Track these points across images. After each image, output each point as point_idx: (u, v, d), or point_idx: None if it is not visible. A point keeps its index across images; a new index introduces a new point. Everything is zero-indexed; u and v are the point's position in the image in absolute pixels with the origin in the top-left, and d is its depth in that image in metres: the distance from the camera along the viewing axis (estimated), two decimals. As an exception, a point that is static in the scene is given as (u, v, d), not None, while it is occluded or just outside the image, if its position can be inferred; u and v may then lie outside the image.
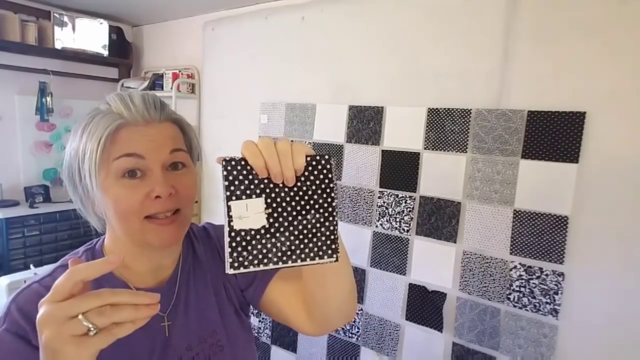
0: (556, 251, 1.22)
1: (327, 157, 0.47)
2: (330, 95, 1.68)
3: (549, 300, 1.23)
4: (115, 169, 0.55)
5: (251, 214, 0.45)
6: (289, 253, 0.46)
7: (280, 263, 0.46)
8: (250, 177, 0.45)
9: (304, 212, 0.46)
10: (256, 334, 1.99)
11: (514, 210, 1.28)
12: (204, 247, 0.73)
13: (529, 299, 1.27)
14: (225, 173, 0.44)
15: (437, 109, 1.42)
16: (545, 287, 1.24)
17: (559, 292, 1.22)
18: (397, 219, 1.52)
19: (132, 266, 0.63)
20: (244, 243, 0.45)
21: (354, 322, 1.66)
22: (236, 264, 0.44)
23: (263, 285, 0.71)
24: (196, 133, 0.71)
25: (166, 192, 0.56)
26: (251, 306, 0.75)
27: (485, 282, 1.35)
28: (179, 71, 2.20)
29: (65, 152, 0.61)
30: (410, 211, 1.50)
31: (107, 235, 0.65)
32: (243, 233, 0.45)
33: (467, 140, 1.36)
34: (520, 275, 1.28)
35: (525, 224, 1.27)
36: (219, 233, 0.76)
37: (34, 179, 2.28)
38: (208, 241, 0.74)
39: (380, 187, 1.56)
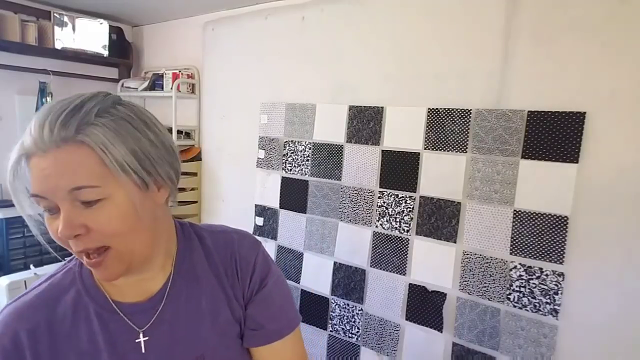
0: (556, 251, 1.22)
1: None
2: (330, 95, 1.68)
3: (549, 300, 1.23)
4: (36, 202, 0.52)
5: None
6: None
7: None
8: None
9: None
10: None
11: (514, 210, 1.28)
12: (216, 261, 0.68)
13: (529, 299, 1.27)
14: None
15: (437, 109, 1.42)
16: (545, 287, 1.24)
17: (559, 292, 1.22)
18: (397, 219, 1.52)
19: (108, 285, 0.61)
20: None
21: (354, 322, 1.66)
22: None
23: (264, 341, 0.68)
24: (148, 139, 0.55)
25: (69, 234, 0.50)
26: None
27: (485, 282, 1.35)
28: (179, 71, 2.20)
29: None
30: (410, 211, 1.50)
31: None
32: None
33: (467, 140, 1.36)
34: (520, 276, 1.28)
35: (525, 224, 1.27)
36: (245, 251, 0.69)
37: (34, 179, 2.28)
38: (225, 255, 0.68)
39: (380, 187, 1.56)
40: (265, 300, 0.68)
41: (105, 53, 2.35)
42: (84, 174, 0.50)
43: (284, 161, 1.84)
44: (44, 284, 0.62)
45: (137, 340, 0.60)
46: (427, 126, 1.44)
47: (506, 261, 1.31)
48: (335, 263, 1.70)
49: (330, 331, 1.73)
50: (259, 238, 1.93)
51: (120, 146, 0.51)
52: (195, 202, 2.23)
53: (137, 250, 0.56)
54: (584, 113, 1.16)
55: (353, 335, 1.66)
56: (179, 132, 2.20)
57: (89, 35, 2.27)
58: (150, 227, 0.58)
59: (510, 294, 1.30)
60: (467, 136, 1.36)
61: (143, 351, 0.60)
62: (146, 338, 0.60)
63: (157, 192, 0.58)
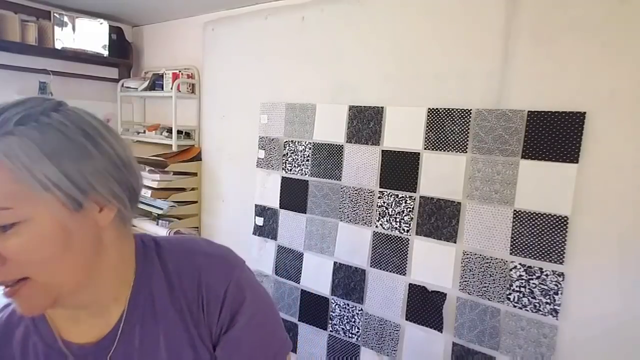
0: (556, 251, 1.22)
1: None
2: (330, 95, 1.68)
3: (549, 301, 1.23)
4: None
5: None
6: None
7: None
8: None
9: None
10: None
11: (514, 210, 1.28)
12: (178, 292, 0.57)
13: (529, 299, 1.27)
14: None
15: (437, 109, 1.42)
16: (545, 287, 1.24)
17: (559, 292, 1.22)
18: (397, 219, 1.52)
19: (57, 315, 0.55)
20: None
21: (354, 322, 1.66)
22: None
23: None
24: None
25: None
26: None
27: (485, 282, 1.35)
28: (179, 71, 2.20)
29: None
30: (410, 211, 1.50)
31: None
32: None
33: (467, 140, 1.36)
34: (520, 276, 1.28)
35: (525, 224, 1.27)
36: (214, 280, 0.58)
37: (34, 179, 2.28)
38: (190, 285, 0.58)
39: (380, 187, 1.56)
40: (237, 341, 0.57)
41: (105, 53, 2.35)
42: None
43: (284, 161, 1.84)
44: None
45: None
46: (427, 126, 1.44)
47: (506, 261, 1.31)
48: (335, 263, 1.70)
49: (330, 331, 1.73)
50: (258, 238, 1.95)
51: (42, 160, 0.44)
52: (195, 202, 2.23)
53: (66, 281, 0.48)
54: (584, 113, 1.16)
55: (353, 335, 1.66)
56: (179, 132, 2.20)
57: (89, 35, 2.27)
58: (86, 253, 0.50)
59: (510, 294, 1.30)
60: (467, 136, 1.36)
61: None
62: None
63: (99, 213, 0.50)
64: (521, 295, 1.28)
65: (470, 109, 1.35)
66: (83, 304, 0.53)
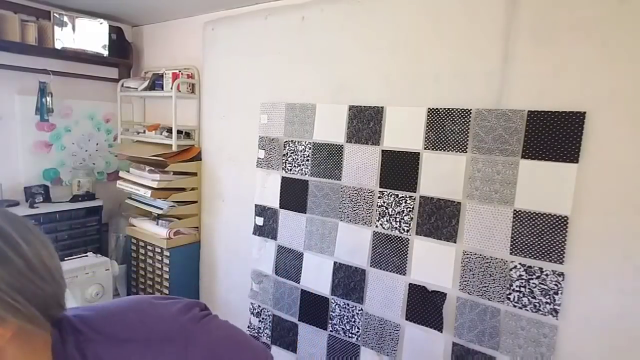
0: (556, 251, 1.22)
1: None
2: (330, 95, 1.68)
3: (549, 300, 1.23)
4: None
5: None
6: None
7: None
8: None
9: None
10: (256, 334, 1.99)
11: (514, 210, 1.28)
12: None
13: (529, 299, 1.27)
14: None
15: (437, 109, 1.42)
16: (545, 287, 1.24)
17: (559, 292, 1.22)
18: (397, 219, 1.52)
19: None
20: None
21: (354, 322, 1.66)
22: None
23: None
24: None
25: None
26: None
27: (485, 282, 1.35)
28: (179, 71, 2.20)
29: None
30: (410, 211, 1.50)
31: None
32: None
33: (467, 140, 1.36)
34: (520, 275, 1.28)
35: (525, 224, 1.27)
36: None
37: (34, 179, 2.28)
38: None
39: (380, 187, 1.56)
40: None
41: (105, 53, 2.35)
42: None
43: (284, 161, 1.84)
44: None
45: None
46: (427, 126, 1.44)
47: (506, 261, 1.31)
48: (335, 263, 1.70)
49: (330, 331, 1.73)
50: (258, 238, 1.95)
51: None
52: (195, 202, 2.23)
53: None
54: (584, 113, 1.16)
55: (353, 335, 1.66)
56: (179, 132, 2.20)
57: (89, 35, 2.27)
58: None
59: (510, 293, 1.30)
60: (467, 136, 1.36)
61: None
62: None
63: None
64: (521, 295, 1.28)
65: (470, 109, 1.35)
66: None
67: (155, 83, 2.28)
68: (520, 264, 1.28)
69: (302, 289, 1.80)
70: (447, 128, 1.40)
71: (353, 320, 1.66)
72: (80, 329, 0.53)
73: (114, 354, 0.51)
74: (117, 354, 0.51)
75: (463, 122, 1.37)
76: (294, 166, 1.80)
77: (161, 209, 2.12)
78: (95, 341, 0.52)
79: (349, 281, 1.66)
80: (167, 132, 2.22)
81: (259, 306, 1.97)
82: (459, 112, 1.37)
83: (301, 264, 1.80)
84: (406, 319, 1.52)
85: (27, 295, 0.46)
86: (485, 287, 1.35)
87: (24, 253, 0.46)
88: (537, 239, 1.25)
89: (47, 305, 0.48)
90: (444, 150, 1.41)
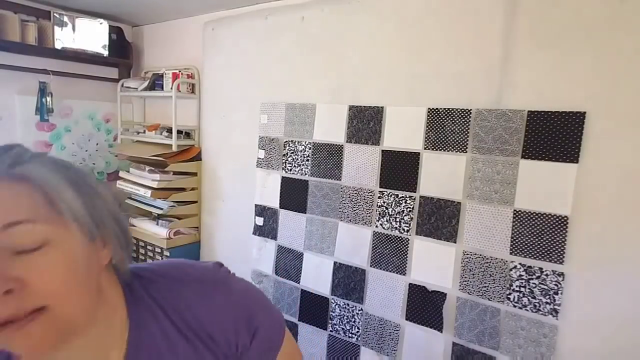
0: (556, 251, 1.22)
1: None
2: (330, 95, 1.68)
3: (549, 300, 1.23)
4: None
5: None
6: None
7: None
8: None
9: None
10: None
11: (514, 210, 1.28)
12: (180, 325, 0.56)
13: (529, 299, 1.27)
14: None
15: (437, 109, 1.42)
16: (545, 287, 1.24)
17: (559, 292, 1.22)
18: (397, 219, 1.52)
19: None
20: None
21: (354, 322, 1.66)
22: None
23: None
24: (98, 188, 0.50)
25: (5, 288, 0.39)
26: None
27: (485, 282, 1.35)
28: (179, 71, 2.20)
29: None
30: (410, 211, 1.50)
31: None
32: None
33: (467, 140, 1.36)
34: (520, 275, 1.28)
35: (525, 224, 1.27)
36: (215, 310, 0.57)
37: (34, 179, 2.28)
38: (192, 316, 0.56)
39: (380, 187, 1.56)
40: (260, 345, 0.61)
41: (105, 53, 2.35)
42: (24, 208, 0.41)
43: (284, 161, 1.84)
44: None
45: None
46: (427, 126, 1.44)
47: (506, 261, 1.31)
48: (335, 263, 1.70)
49: (330, 331, 1.73)
50: (258, 238, 1.95)
51: (66, 187, 0.44)
52: (195, 202, 2.23)
53: (77, 317, 0.44)
54: (584, 113, 1.16)
55: (353, 335, 1.66)
56: (179, 132, 2.20)
57: (89, 35, 2.27)
58: (94, 289, 0.47)
59: (510, 294, 1.30)
60: (467, 136, 1.36)
61: None
62: None
63: (102, 250, 0.49)
64: (521, 295, 1.28)
65: (470, 109, 1.35)
66: (78, 356, 0.49)
67: (155, 83, 2.28)
68: (520, 264, 1.28)
69: (302, 289, 1.80)
70: (447, 128, 1.40)
71: (353, 320, 1.66)
72: (140, 274, 0.58)
73: (175, 291, 0.57)
74: (178, 293, 0.57)
75: (463, 122, 1.36)
76: (294, 166, 1.80)
77: (161, 209, 2.12)
78: (157, 282, 0.57)
79: (349, 281, 1.66)
80: (167, 132, 2.22)
81: (259, 306, 1.97)
82: (459, 112, 1.37)
83: (301, 264, 1.80)
84: (406, 319, 1.52)
85: (119, 227, 0.51)
86: (485, 287, 1.35)
87: (109, 192, 0.51)
88: (537, 239, 1.25)
89: (121, 243, 0.52)
90: (444, 150, 1.41)
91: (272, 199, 1.88)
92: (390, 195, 1.54)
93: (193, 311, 0.56)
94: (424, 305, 1.48)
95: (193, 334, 0.55)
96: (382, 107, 1.54)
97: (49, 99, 2.20)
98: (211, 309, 0.57)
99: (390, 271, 1.55)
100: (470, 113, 1.35)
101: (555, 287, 1.22)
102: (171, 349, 0.54)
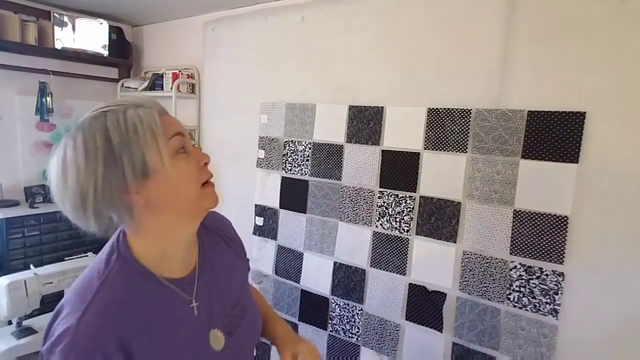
0: (556, 251, 1.22)
1: None
2: (330, 95, 1.68)
3: (549, 300, 1.23)
4: (170, 147, 0.62)
5: None
6: None
7: None
8: None
9: None
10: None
11: (514, 210, 1.28)
12: (213, 234, 0.82)
13: (529, 299, 1.27)
14: None
15: (437, 109, 1.42)
16: (545, 287, 1.24)
17: (559, 292, 1.22)
18: (397, 219, 1.52)
19: (165, 263, 0.68)
20: None
21: (354, 322, 1.66)
22: None
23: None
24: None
25: (209, 159, 0.68)
26: None
27: (485, 282, 1.35)
28: (179, 71, 2.20)
29: (78, 168, 0.58)
30: (410, 211, 1.50)
31: (132, 243, 0.66)
32: None
33: (467, 140, 1.36)
34: (520, 275, 1.28)
35: (525, 224, 1.27)
36: (219, 224, 0.86)
37: (34, 179, 2.28)
38: (214, 230, 0.83)
39: (380, 187, 1.56)
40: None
41: (105, 53, 2.35)
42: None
43: (284, 161, 1.84)
44: (100, 294, 0.60)
45: (190, 306, 0.70)
46: (427, 126, 1.44)
47: (506, 261, 1.31)
48: (335, 263, 1.70)
49: (330, 331, 1.73)
50: (258, 238, 1.95)
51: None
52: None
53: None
54: (584, 113, 1.16)
55: (353, 335, 1.66)
56: (179, 132, 2.20)
57: (89, 35, 2.27)
58: None
59: (510, 294, 1.30)
60: (467, 136, 1.36)
61: (196, 314, 0.70)
62: (197, 303, 0.70)
63: None
64: (521, 295, 1.28)
65: (470, 109, 1.35)
66: (189, 244, 0.72)
67: (155, 83, 2.28)
68: (520, 264, 1.28)
69: (302, 289, 1.80)
70: (447, 128, 1.40)
71: (353, 320, 1.66)
72: None
73: (210, 238, 0.80)
74: (212, 239, 0.80)
75: (463, 122, 1.36)
76: (294, 166, 1.80)
77: (161, 209, 2.12)
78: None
79: (349, 281, 1.66)
80: (167, 132, 2.22)
81: (259, 306, 1.97)
82: (459, 112, 1.37)
83: (301, 264, 1.80)
84: (406, 319, 1.52)
85: None
86: (485, 287, 1.35)
87: None
88: (537, 239, 1.25)
89: None
90: (444, 150, 1.41)
91: (272, 199, 1.88)
92: (390, 195, 1.54)
93: (219, 226, 0.85)
94: (424, 305, 1.48)
95: (222, 239, 0.83)
96: (382, 107, 1.54)
97: (49, 99, 2.20)
98: (226, 226, 0.88)
99: (390, 271, 1.55)
100: (470, 113, 1.35)
101: (555, 287, 1.22)
102: (217, 248, 0.80)
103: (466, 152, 1.36)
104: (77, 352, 0.54)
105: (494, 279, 1.33)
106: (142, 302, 0.63)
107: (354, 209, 1.63)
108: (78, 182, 0.59)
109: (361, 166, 1.61)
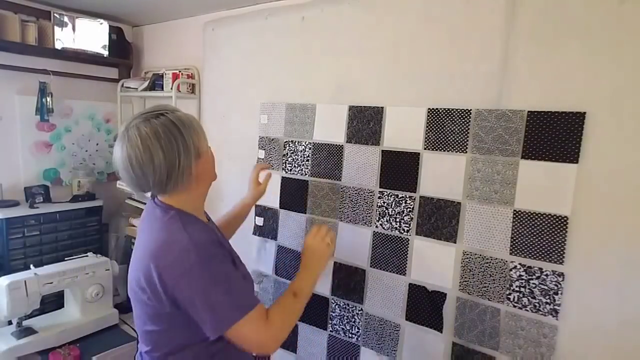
0: (556, 251, 1.22)
1: None
2: (330, 95, 1.68)
3: (549, 301, 1.23)
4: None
5: None
6: None
7: None
8: None
9: None
10: (256, 334, 1.99)
11: (514, 210, 1.28)
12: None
13: (529, 299, 1.27)
14: None
15: (437, 109, 1.42)
16: (545, 287, 1.24)
17: (559, 292, 1.22)
18: (397, 219, 1.52)
19: (196, 212, 1.08)
20: None
21: (354, 322, 1.66)
22: None
23: None
24: None
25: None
26: None
27: (485, 282, 1.35)
28: (179, 71, 2.20)
29: (164, 150, 0.91)
30: (410, 211, 1.50)
31: (171, 202, 1.03)
32: None
33: (467, 140, 1.36)
34: (520, 276, 1.28)
35: (525, 224, 1.27)
36: None
37: (34, 179, 2.28)
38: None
39: (380, 187, 1.56)
40: None
41: (105, 53, 2.35)
42: None
43: (284, 161, 1.84)
44: (189, 230, 0.97)
45: (217, 234, 1.13)
46: (427, 126, 1.44)
47: (506, 261, 1.31)
48: (335, 263, 1.70)
49: (330, 331, 1.73)
50: (258, 238, 1.95)
51: None
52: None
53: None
54: (584, 113, 1.16)
55: (353, 335, 1.66)
56: (179, 132, 2.20)
57: (89, 35, 2.27)
58: None
59: (510, 294, 1.30)
60: (467, 136, 1.36)
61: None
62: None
63: None
64: (521, 295, 1.28)
65: (470, 109, 1.35)
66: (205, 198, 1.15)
67: (156, 83, 2.28)
68: (520, 264, 1.28)
69: (302, 289, 1.80)
70: (447, 128, 1.40)
71: (353, 320, 1.66)
72: None
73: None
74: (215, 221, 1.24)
75: (463, 122, 1.37)
76: (294, 166, 1.80)
77: (161, 209, 2.12)
78: None
79: (349, 281, 1.66)
80: (167, 132, 2.22)
81: (259, 306, 1.97)
82: (459, 112, 1.37)
83: (301, 264, 1.80)
84: (406, 319, 1.52)
85: None
86: (485, 287, 1.35)
87: None
88: (537, 239, 1.25)
89: None
90: (444, 151, 1.41)
91: (272, 199, 1.88)
92: (390, 196, 1.54)
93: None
94: (424, 306, 1.48)
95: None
96: (382, 107, 1.54)
97: (49, 99, 2.20)
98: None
99: (390, 271, 1.55)
100: (470, 113, 1.35)
101: (555, 287, 1.22)
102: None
103: (466, 152, 1.37)
104: (195, 241, 0.94)
105: (493, 279, 1.33)
106: (208, 229, 1.05)
107: (354, 209, 1.63)
108: (166, 160, 0.90)
109: (361, 166, 1.61)
